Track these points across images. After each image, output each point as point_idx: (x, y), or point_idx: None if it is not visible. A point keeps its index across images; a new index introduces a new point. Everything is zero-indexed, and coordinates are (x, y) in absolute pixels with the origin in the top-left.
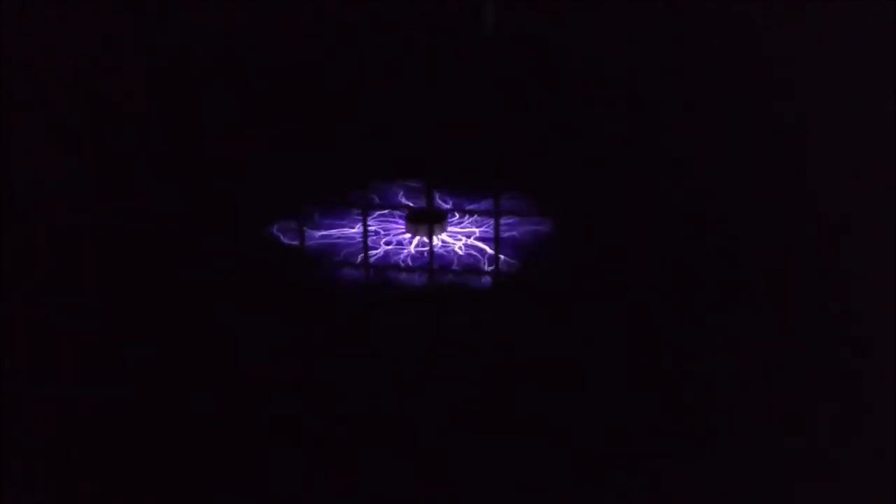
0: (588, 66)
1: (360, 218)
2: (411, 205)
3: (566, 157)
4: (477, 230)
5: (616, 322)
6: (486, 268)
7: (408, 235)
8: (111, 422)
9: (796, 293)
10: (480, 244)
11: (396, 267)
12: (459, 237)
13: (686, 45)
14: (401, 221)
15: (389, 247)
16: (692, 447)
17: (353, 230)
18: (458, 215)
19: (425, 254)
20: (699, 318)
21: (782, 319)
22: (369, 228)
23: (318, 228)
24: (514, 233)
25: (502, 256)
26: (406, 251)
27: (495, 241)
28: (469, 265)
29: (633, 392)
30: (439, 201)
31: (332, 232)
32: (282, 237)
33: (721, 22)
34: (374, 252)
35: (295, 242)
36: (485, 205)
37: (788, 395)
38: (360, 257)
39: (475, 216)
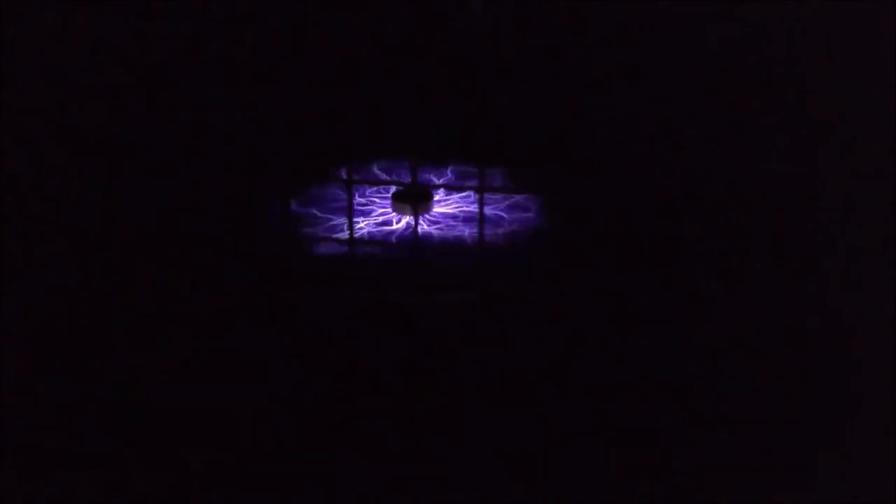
0: (584, 54)
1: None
2: (398, 183)
3: (558, 142)
4: (466, 208)
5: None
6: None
7: (394, 215)
8: (112, 419)
9: (794, 291)
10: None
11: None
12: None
13: (687, 37)
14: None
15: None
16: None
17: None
18: (443, 192)
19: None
20: (687, 310)
21: (779, 316)
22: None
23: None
24: (501, 212)
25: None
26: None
27: (479, 217)
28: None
29: (623, 390)
30: (425, 179)
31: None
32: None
33: (721, 17)
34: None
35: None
36: (470, 182)
37: (785, 394)
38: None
39: (460, 192)
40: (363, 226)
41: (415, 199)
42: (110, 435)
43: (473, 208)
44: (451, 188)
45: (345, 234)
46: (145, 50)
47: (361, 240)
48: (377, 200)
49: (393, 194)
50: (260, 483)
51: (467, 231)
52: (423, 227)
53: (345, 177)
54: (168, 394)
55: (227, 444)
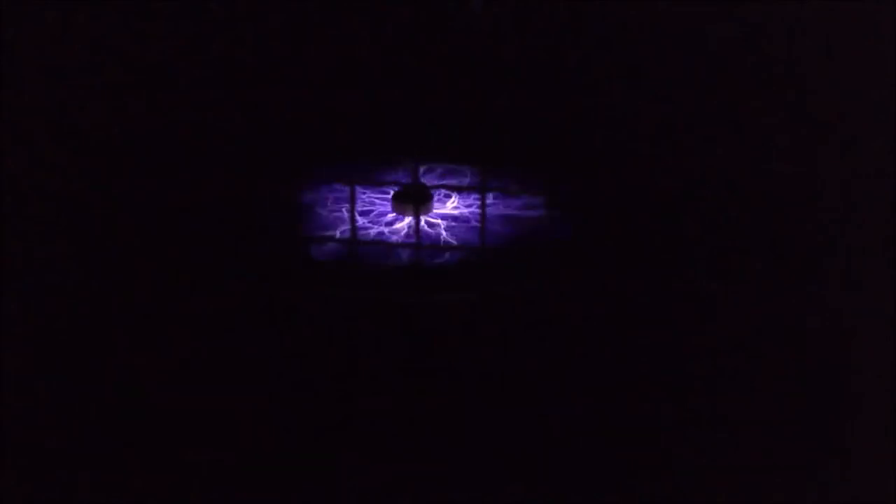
0: (584, 54)
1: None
2: (398, 183)
3: (558, 142)
4: (465, 209)
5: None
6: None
7: (394, 215)
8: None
9: (792, 289)
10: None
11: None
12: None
13: (687, 37)
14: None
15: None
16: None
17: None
18: (444, 194)
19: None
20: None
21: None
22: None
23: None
24: (502, 212)
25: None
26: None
27: (481, 219)
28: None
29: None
30: (425, 180)
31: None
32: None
33: (721, 17)
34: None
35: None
36: (471, 182)
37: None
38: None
39: (459, 192)
40: (363, 226)
41: (415, 199)
42: (110, 435)
43: (474, 208)
44: (451, 188)
45: (345, 235)
46: (145, 50)
47: (361, 240)
48: (377, 201)
49: (393, 194)
50: (260, 483)
51: (468, 231)
52: (424, 227)
53: (345, 177)
54: (168, 394)
55: (227, 444)
